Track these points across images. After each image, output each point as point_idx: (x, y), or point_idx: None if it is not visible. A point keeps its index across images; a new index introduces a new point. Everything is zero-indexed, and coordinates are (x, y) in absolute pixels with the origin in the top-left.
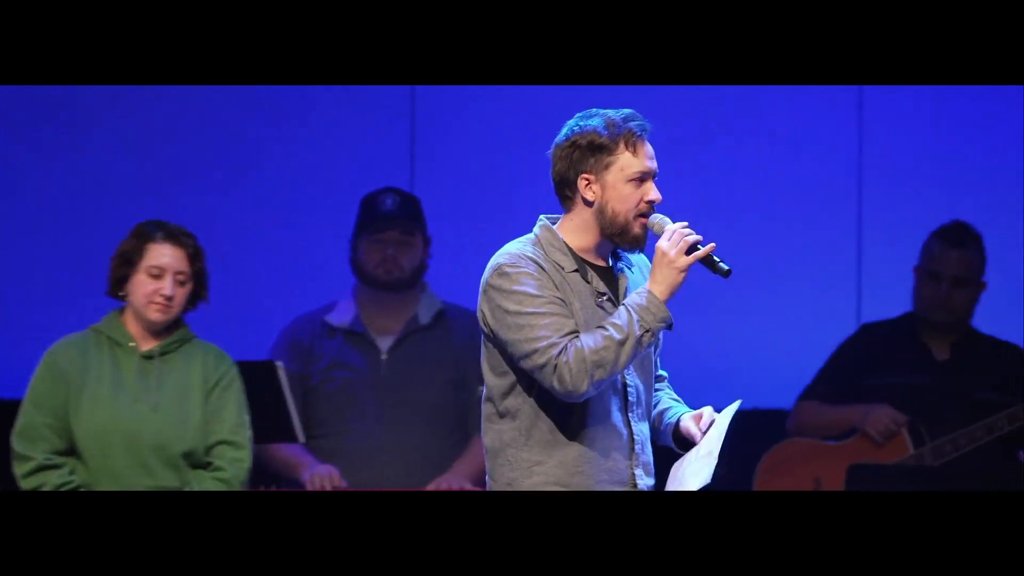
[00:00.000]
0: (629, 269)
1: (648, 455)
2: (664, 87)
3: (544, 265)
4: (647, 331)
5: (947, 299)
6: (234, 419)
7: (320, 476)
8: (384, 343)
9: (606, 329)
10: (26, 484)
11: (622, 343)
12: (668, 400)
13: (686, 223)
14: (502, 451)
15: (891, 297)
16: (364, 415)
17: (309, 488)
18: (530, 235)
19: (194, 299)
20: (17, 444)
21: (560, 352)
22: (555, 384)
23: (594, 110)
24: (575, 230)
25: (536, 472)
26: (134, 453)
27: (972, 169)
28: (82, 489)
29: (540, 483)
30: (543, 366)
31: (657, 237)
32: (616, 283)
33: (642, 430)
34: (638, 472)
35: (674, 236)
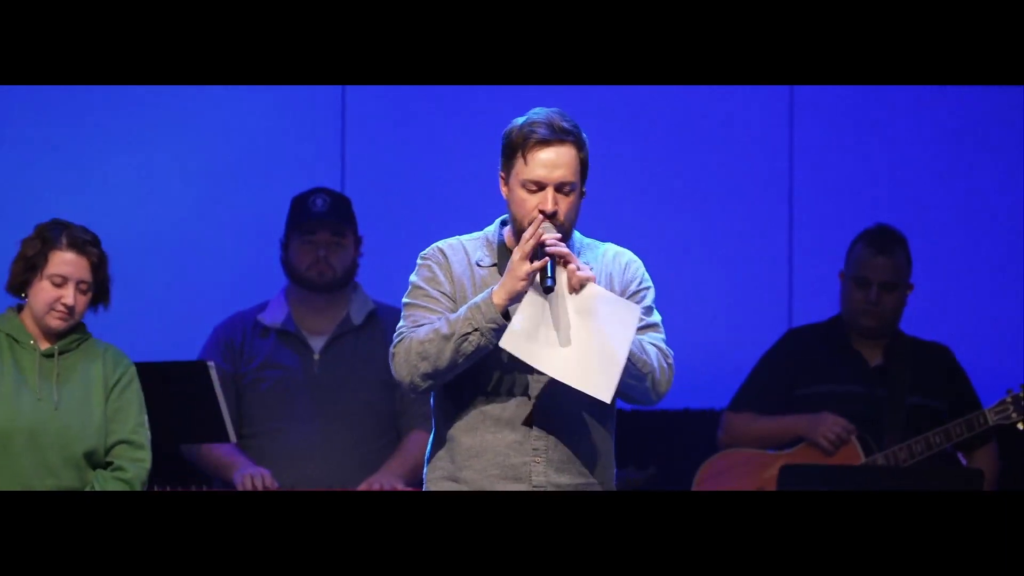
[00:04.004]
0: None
1: (563, 451)
2: (597, 87)
3: (458, 257)
4: (475, 330)
5: (876, 304)
6: (134, 419)
7: (252, 477)
8: (316, 343)
9: (439, 323)
10: None
11: (447, 337)
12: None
13: (551, 232)
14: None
15: (823, 297)
16: (296, 415)
17: (240, 489)
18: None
19: (95, 304)
20: None
21: (399, 341)
22: (393, 373)
23: (536, 108)
24: (511, 224)
25: (435, 467)
26: (37, 452)
27: (900, 169)
28: None
29: (438, 477)
30: (391, 355)
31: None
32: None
33: (554, 427)
34: (539, 469)
35: (524, 244)
